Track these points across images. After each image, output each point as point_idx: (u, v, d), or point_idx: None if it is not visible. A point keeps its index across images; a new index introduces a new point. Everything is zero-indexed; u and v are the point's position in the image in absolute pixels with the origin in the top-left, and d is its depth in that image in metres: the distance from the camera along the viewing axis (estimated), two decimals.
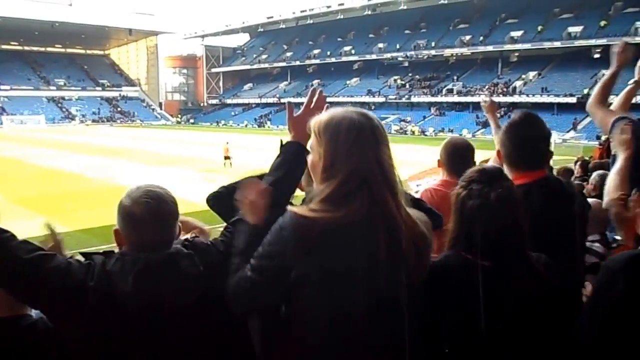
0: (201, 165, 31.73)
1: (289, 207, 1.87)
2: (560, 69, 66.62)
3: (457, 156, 3.54)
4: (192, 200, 17.70)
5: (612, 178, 3.18)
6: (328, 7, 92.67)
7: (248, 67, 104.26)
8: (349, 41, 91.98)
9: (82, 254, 2.02)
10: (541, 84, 64.91)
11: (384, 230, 1.82)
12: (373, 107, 76.22)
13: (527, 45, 68.19)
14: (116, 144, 46.64)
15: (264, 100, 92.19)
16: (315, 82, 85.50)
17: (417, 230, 1.92)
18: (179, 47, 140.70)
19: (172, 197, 2.09)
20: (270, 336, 2.10)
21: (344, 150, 1.85)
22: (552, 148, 3.08)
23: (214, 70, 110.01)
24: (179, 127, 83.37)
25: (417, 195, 3.44)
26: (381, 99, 77.64)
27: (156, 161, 33.90)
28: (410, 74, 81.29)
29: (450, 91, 72.64)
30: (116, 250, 2.08)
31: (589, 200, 3.97)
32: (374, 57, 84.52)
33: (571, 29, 65.44)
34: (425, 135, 61.33)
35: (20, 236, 1.92)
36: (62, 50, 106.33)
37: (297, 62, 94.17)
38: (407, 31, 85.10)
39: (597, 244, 3.65)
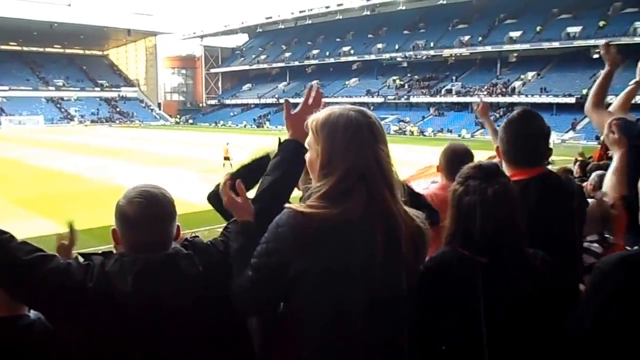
0: (200, 165, 31.73)
1: (287, 205, 1.88)
2: (559, 69, 66.66)
3: (457, 162, 3.54)
4: (191, 201, 17.77)
5: (609, 177, 3.19)
6: (327, 7, 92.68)
7: (247, 67, 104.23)
8: (348, 41, 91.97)
9: (81, 254, 2.02)
10: (540, 84, 64.98)
11: (382, 227, 1.83)
12: (372, 108, 75.86)
13: (526, 46, 68.26)
14: (115, 145, 46.62)
15: (262, 101, 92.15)
16: (314, 82, 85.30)
17: (415, 227, 1.93)
18: (178, 48, 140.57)
19: (168, 198, 2.08)
20: (269, 335, 2.10)
21: (342, 148, 1.86)
22: (551, 146, 3.07)
23: (212, 70, 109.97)
24: (178, 128, 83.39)
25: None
26: (380, 100, 77.63)
27: (155, 161, 33.90)
28: (409, 75, 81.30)
29: (449, 91, 72.66)
30: (114, 250, 2.08)
31: (590, 200, 3.97)
32: (372, 57, 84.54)
33: (570, 29, 65.47)
34: (424, 135, 61.36)
35: (19, 236, 1.92)
36: (61, 50, 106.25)
37: (296, 63, 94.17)
38: (406, 31, 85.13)
39: (595, 244, 3.64)
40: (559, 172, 6.52)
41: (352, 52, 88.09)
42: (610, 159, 3.70)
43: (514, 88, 66.47)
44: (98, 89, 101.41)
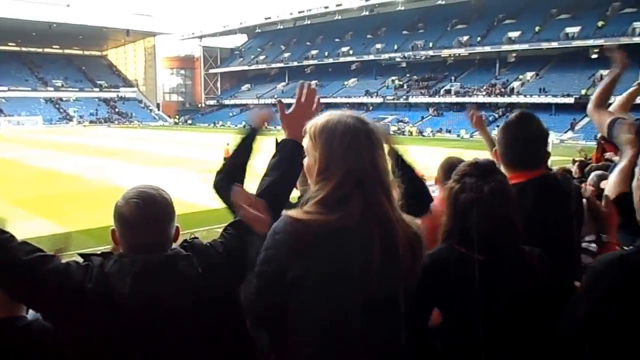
0: (199, 166, 31.68)
1: (284, 211, 1.88)
2: (557, 69, 66.67)
3: None
4: (190, 201, 17.77)
5: (615, 174, 3.19)
6: (326, 7, 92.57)
7: (246, 67, 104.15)
8: (347, 42, 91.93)
9: (81, 255, 2.02)
10: (539, 84, 64.97)
11: (379, 233, 1.83)
12: (371, 108, 76.25)
13: (525, 46, 68.26)
14: (114, 145, 46.56)
15: (261, 101, 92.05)
16: (313, 82, 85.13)
17: (412, 233, 1.94)
18: (177, 48, 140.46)
19: (166, 199, 2.08)
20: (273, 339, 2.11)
21: (339, 154, 1.86)
22: (550, 148, 3.07)
23: (211, 71, 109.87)
24: (177, 128, 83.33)
25: None
26: (379, 100, 77.64)
27: (154, 162, 33.87)
28: (408, 75, 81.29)
29: (448, 92, 72.65)
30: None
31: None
32: (371, 57, 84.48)
33: (569, 30, 65.50)
34: (423, 135, 61.30)
35: (18, 237, 1.93)
36: (60, 51, 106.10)
37: (295, 63, 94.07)
38: (404, 32, 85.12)
39: (593, 245, 3.65)
40: (558, 172, 6.53)
41: (351, 52, 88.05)
42: (608, 160, 3.70)
43: (512, 88, 66.48)
44: (97, 89, 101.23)
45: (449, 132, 61.72)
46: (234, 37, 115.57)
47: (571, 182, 3.39)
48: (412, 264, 1.94)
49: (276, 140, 2.33)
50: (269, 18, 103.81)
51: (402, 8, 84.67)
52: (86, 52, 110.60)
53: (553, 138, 38.88)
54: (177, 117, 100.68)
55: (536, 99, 61.05)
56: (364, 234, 1.83)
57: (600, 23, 62.32)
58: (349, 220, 1.81)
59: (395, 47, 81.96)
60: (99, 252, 2.03)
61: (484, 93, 67.55)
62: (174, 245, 2.09)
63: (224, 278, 2.02)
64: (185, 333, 1.97)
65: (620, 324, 1.65)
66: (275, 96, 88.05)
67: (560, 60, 67.26)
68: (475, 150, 4.06)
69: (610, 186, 3.18)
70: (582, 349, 1.75)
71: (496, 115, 59.59)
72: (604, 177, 4.27)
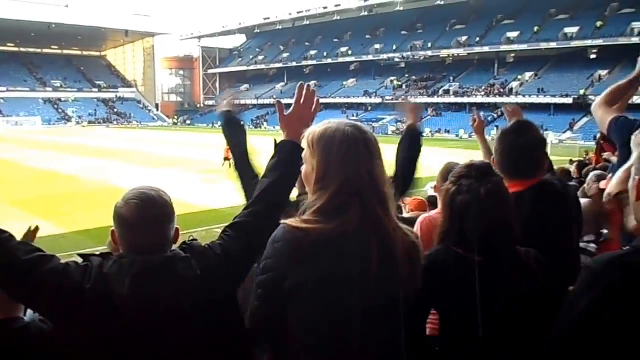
0: (198, 166, 31.72)
1: (282, 220, 1.89)
2: (556, 69, 66.76)
3: None
4: (189, 202, 17.78)
5: (619, 174, 3.20)
6: (324, 8, 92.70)
7: (244, 68, 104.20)
8: (346, 42, 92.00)
9: (80, 255, 2.02)
10: (537, 84, 65.06)
11: (376, 242, 1.84)
12: (370, 108, 76.39)
13: (524, 46, 68.36)
14: (112, 146, 46.56)
15: (260, 102, 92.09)
16: (312, 83, 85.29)
17: (410, 242, 1.95)
18: (176, 49, 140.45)
19: (166, 200, 2.08)
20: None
21: (337, 163, 1.87)
22: (548, 148, 3.07)
23: (210, 71, 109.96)
24: (176, 129, 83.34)
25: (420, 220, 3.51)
26: (378, 100, 77.67)
27: (153, 162, 33.87)
28: (407, 75, 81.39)
29: (446, 92, 72.75)
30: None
31: (586, 200, 3.99)
32: (370, 58, 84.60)
33: (567, 30, 65.58)
34: (422, 136, 61.14)
35: (17, 237, 1.93)
36: (59, 51, 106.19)
37: (294, 63, 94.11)
38: (403, 32, 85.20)
39: (592, 245, 3.65)
40: (558, 172, 6.53)
41: (349, 52, 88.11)
42: (606, 160, 3.70)
43: (511, 88, 66.56)
44: (96, 89, 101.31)
45: (448, 132, 61.81)
46: (233, 38, 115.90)
47: (568, 186, 3.39)
48: (411, 272, 1.94)
49: (275, 141, 2.33)
50: (268, 18, 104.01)
51: (401, 8, 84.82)
52: (85, 53, 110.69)
53: (552, 138, 38.94)
54: (175, 117, 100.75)
55: (535, 99, 61.11)
56: (361, 242, 1.83)
57: (598, 23, 62.41)
58: (347, 229, 1.82)
59: (394, 47, 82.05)
60: (98, 253, 2.03)
61: (483, 93, 67.64)
62: (173, 247, 2.09)
63: (223, 280, 2.02)
64: (183, 334, 1.97)
65: (617, 324, 1.65)
66: (274, 96, 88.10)
67: (558, 61, 67.35)
68: (474, 151, 4.07)
69: (613, 184, 3.19)
70: (578, 349, 1.75)
71: (495, 116, 59.59)
72: (602, 177, 4.27)
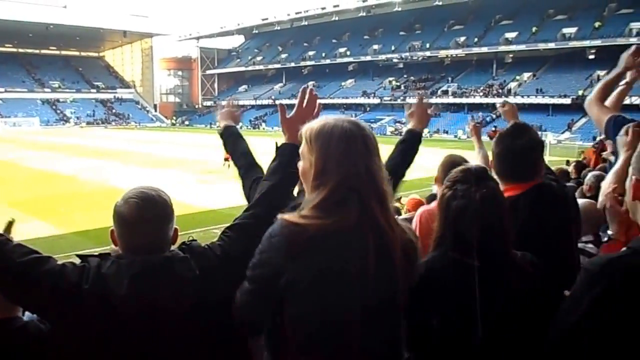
0: (196, 167, 31.73)
1: (280, 215, 1.87)
2: (554, 70, 66.81)
3: None
4: (187, 203, 17.77)
5: (609, 179, 3.19)
6: (323, 8, 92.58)
7: (243, 68, 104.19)
8: (344, 43, 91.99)
9: (78, 255, 2.02)
10: (536, 85, 65.10)
11: (374, 238, 1.82)
12: (368, 109, 76.42)
13: (522, 47, 68.41)
14: (111, 146, 46.57)
15: (259, 102, 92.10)
16: (310, 83, 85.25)
17: (407, 239, 1.94)
18: (174, 49, 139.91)
19: (165, 200, 2.08)
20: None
21: (335, 158, 1.85)
22: (547, 148, 3.07)
23: (208, 72, 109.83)
24: (174, 129, 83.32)
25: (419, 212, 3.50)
26: (376, 101, 77.73)
27: (151, 163, 33.88)
28: (405, 76, 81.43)
29: (445, 92, 72.77)
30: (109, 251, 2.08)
31: (584, 200, 3.99)
32: (368, 58, 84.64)
33: (565, 30, 65.63)
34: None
35: (15, 239, 1.93)
36: (57, 52, 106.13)
37: (292, 64, 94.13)
38: (401, 32, 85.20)
39: (590, 245, 3.65)
40: (557, 171, 6.54)
41: (348, 53, 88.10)
42: (605, 161, 3.70)
43: (509, 89, 66.59)
44: (94, 90, 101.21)
45: (446, 132, 61.83)
46: (231, 38, 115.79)
47: (566, 188, 3.39)
48: (408, 269, 1.93)
49: (276, 144, 2.33)
50: (266, 19, 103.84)
51: (399, 9, 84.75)
52: (83, 54, 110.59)
53: (550, 139, 39.00)
54: (174, 118, 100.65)
55: (533, 100, 61.15)
56: (359, 238, 1.82)
57: (597, 24, 62.44)
58: (345, 225, 1.81)
59: (393, 48, 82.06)
60: (96, 254, 2.03)
61: (481, 94, 67.66)
62: (172, 247, 2.09)
63: (222, 281, 2.02)
64: (182, 335, 1.97)
65: (617, 325, 1.65)
66: (273, 97, 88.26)
67: (557, 61, 67.40)
68: (472, 151, 4.08)
69: (605, 188, 3.19)
70: (578, 351, 1.75)
71: (493, 116, 59.58)
72: (601, 178, 4.27)
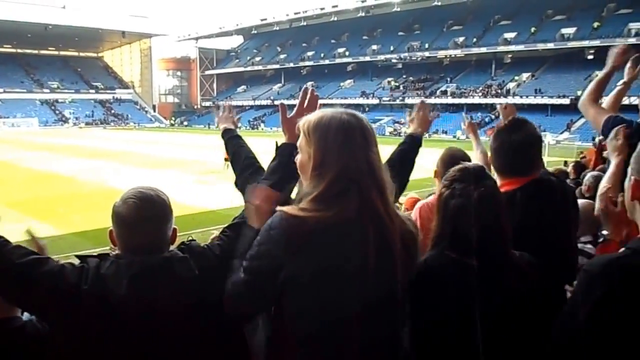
0: (195, 167, 31.71)
1: (279, 207, 1.86)
2: (553, 70, 66.84)
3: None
4: (186, 203, 17.76)
5: (603, 184, 3.20)
6: (321, 9, 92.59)
7: (242, 69, 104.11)
8: (343, 43, 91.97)
9: (77, 256, 2.02)
10: (535, 85, 65.13)
11: (374, 230, 1.82)
12: (367, 109, 76.31)
13: (521, 47, 68.44)
14: (109, 147, 46.52)
15: (257, 102, 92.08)
16: (309, 84, 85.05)
17: (407, 230, 1.93)
18: (173, 50, 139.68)
19: (164, 200, 2.08)
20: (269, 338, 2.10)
21: (334, 150, 1.85)
22: (545, 148, 3.06)
23: (207, 72, 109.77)
24: (173, 130, 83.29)
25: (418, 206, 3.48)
26: (375, 101, 77.74)
27: (150, 164, 33.85)
28: (404, 76, 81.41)
29: (444, 93, 72.79)
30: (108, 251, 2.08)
31: (583, 201, 3.98)
32: (367, 58, 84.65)
33: (564, 31, 65.68)
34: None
35: (13, 239, 1.92)
36: (56, 52, 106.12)
37: (291, 64, 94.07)
38: (400, 33, 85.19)
39: (589, 245, 3.65)
40: (555, 171, 6.52)
41: (347, 53, 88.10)
42: (605, 161, 3.70)
43: (508, 89, 66.63)
44: (93, 91, 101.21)
45: (445, 133, 61.74)
46: (230, 39, 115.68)
47: (565, 183, 3.37)
48: (407, 261, 1.93)
49: (276, 143, 2.33)
50: (265, 19, 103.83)
51: (398, 9, 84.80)
52: (82, 54, 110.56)
53: (549, 139, 38.96)
54: (173, 118, 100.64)
55: (532, 100, 61.19)
56: (359, 230, 1.81)
57: (595, 24, 62.48)
58: (344, 216, 1.80)
59: (391, 48, 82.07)
60: (95, 254, 2.03)
61: (480, 94, 67.70)
62: (171, 247, 2.09)
63: (221, 280, 2.01)
64: (180, 335, 1.97)
65: (618, 326, 1.65)
66: (271, 97, 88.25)
67: (556, 61, 67.42)
68: (471, 152, 4.06)
69: (600, 191, 3.19)
70: (581, 353, 1.74)
71: (492, 117, 59.58)
72: (600, 178, 4.27)
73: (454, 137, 57.79)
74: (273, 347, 2.03)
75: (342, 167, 1.84)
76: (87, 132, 72.46)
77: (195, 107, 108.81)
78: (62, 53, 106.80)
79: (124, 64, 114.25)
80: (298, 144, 1.97)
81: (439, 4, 79.58)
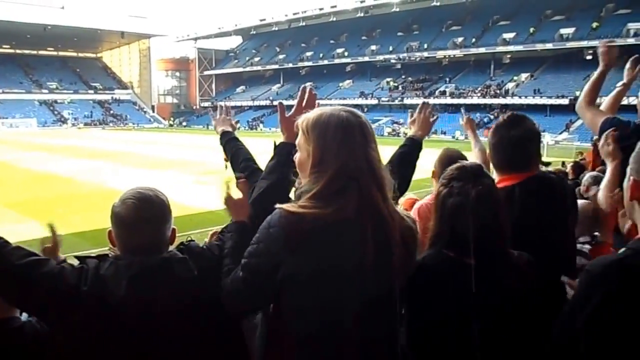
0: (194, 168, 31.67)
1: (278, 205, 1.86)
2: (552, 70, 66.82)
3: None
4: (186, 204, 17.76)
5: (602, 193, 3.20)
6: (320, 9, 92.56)
7: (241, 69, 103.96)
8: (342, 43, 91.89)
9: (77, 257, 2.01)
10: (533, 85, 65.09)
11: (373, 227, 1.82)
12: (366, 109, 76.17)
13: (520, 47, 68.38)
14: (108, 147, 46.45)
15: (256, 103, 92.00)
16: (308, 84, 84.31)
17: (406, 227, 1.94)
18: (172, 50, 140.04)
19: (163, 200, 2.08)
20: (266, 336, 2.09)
21: (333, 147, 1.85)
22: (544, 149, 3.07)
23: (206, 72, 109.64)
24: (172, 130, 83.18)
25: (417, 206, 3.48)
26: (374, 101, 77.67)
27: (149, 164, 33.80)
28: (403, 76, 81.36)
29: (443, 93, 72.73)
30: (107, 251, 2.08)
31: (582, 201, 3.98)
32: (366, 59, 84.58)
33: (563, 31, 65.67)
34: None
35: (12, 240, 1.92)
36: (54, 53, 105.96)
37: (290, 65, 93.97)
38: (399, 33, 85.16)
39: (587, 246, 3.64)
40: (555, 170, 6.52)
41: (345, 54, 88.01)
42: (604, 163, 3.69)
43: (507, 89, 66.62)
44: (91, 91, 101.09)
45: (444, 133, 61.70)
46: (229, 39, 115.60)
47: (565, 181, 3.37)
48: (406, 258, 1.93)
49: (274, 143, 2.33)
50: (264, 20, 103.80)
51: (397, 9, 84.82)
52: (81, 54, 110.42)
53: (548, 139, 38.99)
54: (171, 119, 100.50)
55: (531, 100, 61.16)
56: (358, 228, 1.82)
57: (594, 24, 62.46)
58: (344, 214, 1.80)
59: (390, 48, 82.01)
60: (94, 255, 2.03)
61: (479, 94, 67.69)
62: (170, 248, 2.09)
63: (220, 281, 2.02)
64: (180, 335, 1.97)
65: (618, 327, 1.65)
66: (270, 98, 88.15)
67: (554, 62, 67.41)
68: (470, 152, 4.06)
69: (600, 201, 3.20)
70: (581, 353, 1.74)
71: (491, 117, 59.60)
72: (599, 179, 4.27)
73: (453, 137, 57.77)
74: (272, 346, 2.03)
75: (341, 165, 1.84)
76: (85, 133, 72.35)
77: (194, 107, 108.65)
78: (61, 53, 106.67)
79: (123, 65, 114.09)
80: (297, 142, 1.97)
81: (438, 4, 79.61)
